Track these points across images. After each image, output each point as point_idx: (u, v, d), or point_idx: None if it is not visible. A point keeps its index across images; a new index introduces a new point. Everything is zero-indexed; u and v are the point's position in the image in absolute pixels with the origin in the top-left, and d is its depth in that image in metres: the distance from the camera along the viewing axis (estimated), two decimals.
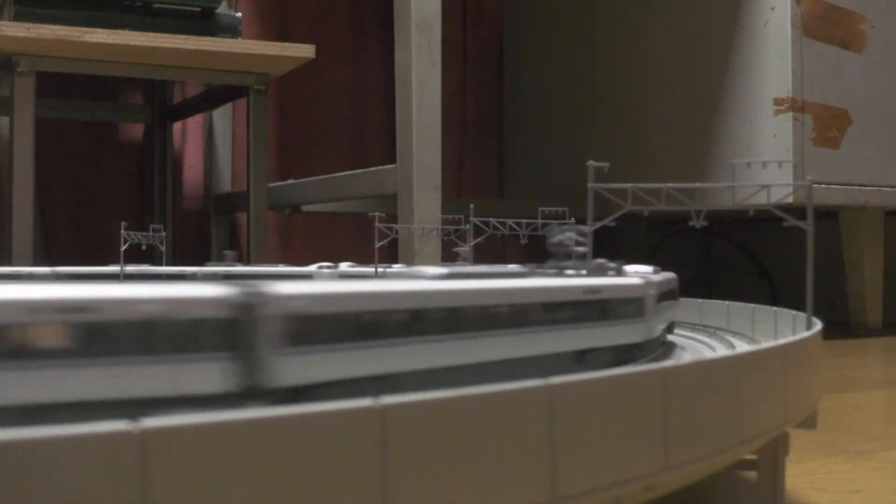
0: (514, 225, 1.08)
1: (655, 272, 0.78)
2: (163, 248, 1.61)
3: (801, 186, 0.64)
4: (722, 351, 0.75)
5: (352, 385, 0.48)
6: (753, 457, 0.59)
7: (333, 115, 2.58)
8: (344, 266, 1.15)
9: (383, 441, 0.30)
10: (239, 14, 1.88)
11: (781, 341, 0.53)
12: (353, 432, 0.30)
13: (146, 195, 2.40)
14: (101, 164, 2.37)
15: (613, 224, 0.67)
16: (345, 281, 0.55)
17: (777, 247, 2.85)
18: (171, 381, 0.42)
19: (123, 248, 1.60)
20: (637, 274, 0.76)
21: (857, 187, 2.08)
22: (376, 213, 1.36)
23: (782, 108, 1.95)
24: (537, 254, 2.58)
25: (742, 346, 0.77)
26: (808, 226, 0.62)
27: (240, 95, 2.01)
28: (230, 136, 2.47)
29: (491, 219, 1.12)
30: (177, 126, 2.41)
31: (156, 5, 1.78)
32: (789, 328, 0.74)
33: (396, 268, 1.11)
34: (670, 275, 0.84)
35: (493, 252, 2.72)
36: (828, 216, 2.33)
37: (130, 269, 1.12)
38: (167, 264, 1.65)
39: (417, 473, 0.31)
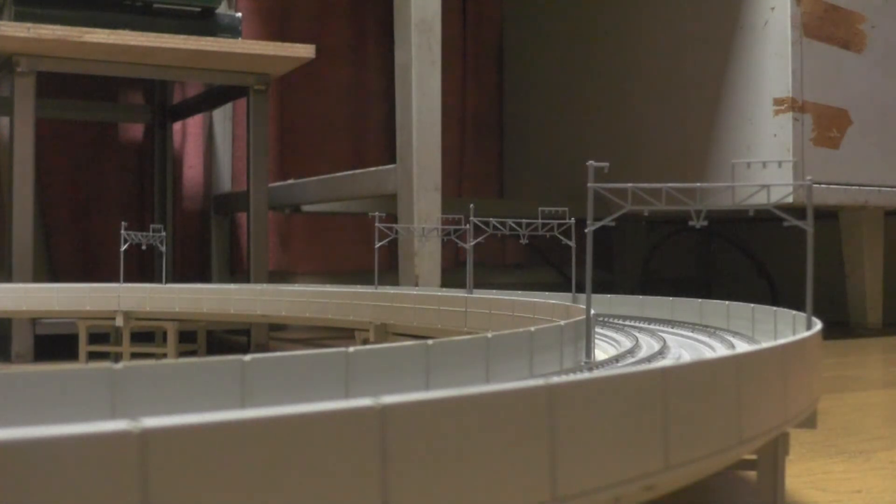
0: (514, 225, 1.08)
1: None
2: (163, 248, 1.61)
3: (801, 186, 0.64)
4: (722, 351, 0.75)
5: None
6: (753, 457, 0.59)
7: (333, 115, 2.58)
8: None
9: (383, 441, 0.30)
10: (239, 14, 1.88)
11: (781, 341, 0.53)
12: (353, 432, 0.30)
13: (146, 195, 2.40)
14: (101, 164, 2.37)
15: (613, 224, 0.67)
16: None
17: (777, 247, 2.85)
18: None
19: (123, 247, 1.60)
20: None
21: (857, 187, 2.08)
22: (376, 213, 1.36)
23: (782, 108, 1.95)
24: (537, 253, 2.58)
25: (742, 346, 0.77)
26: (808, 226, 0.62)
27: (240, 95, 2.01)
28: (230, 136, 2.47)
29: (491, 219, 1.12)
30: (177, 126, 2.40)
31: (156, 5, 1.78)
32: (789, 328, 0.74)
33: None
34: None
35: (493, 252, 2.72)
36: (828, 216, 2.33)
37: None
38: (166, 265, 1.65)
39: (417, 473, 0.31)
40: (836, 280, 2.38)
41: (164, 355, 1.59)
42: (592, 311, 0.75)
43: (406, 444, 0.31)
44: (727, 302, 0.91)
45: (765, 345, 0.51)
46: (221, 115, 2.46)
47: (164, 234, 1.61)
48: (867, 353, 1.93)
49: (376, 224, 1.35)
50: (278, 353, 0.49)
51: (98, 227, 2.34)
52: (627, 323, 1.02)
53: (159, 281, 2.02)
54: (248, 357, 0.47)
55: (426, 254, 1.65)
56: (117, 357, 1.59)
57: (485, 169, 2.79)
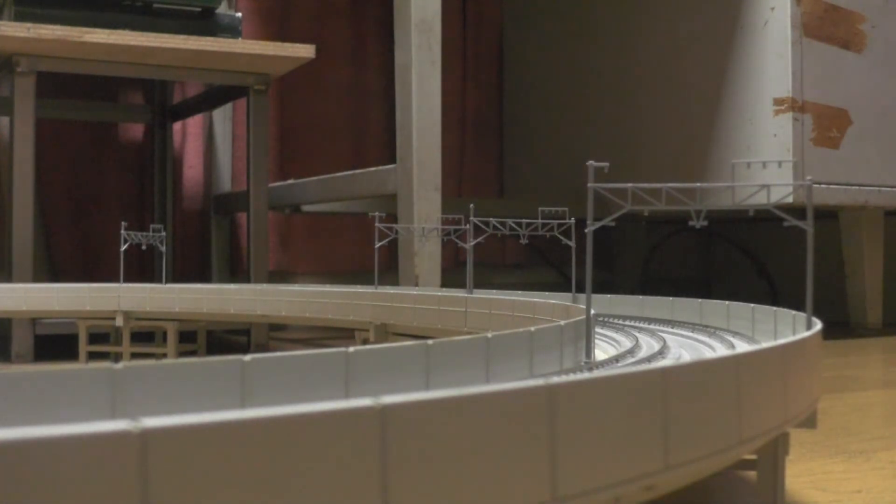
0: (514, 225, 1.08)
1: None
2: (163, 248, 1.61)
3: (801, 186, 0.64)
4: (722, 351, 0.75)
5: None
6: (753, 457, 0.59)
7: (333, 115, 2.58)
8: None
9: (383, 441, 0.30)
10: (239, 14, 1.88)
11: (781, 341, 0.53)
12: (353, 432, 0.30)
13: (146, 195, 2.40)
14: (101, 164, 2.37)
15: (613, 224, 0.67)
16: None
17: (777, 247, 2.85)
18: None
19: (123, 247, 1.60)
20: None
21: (857, 187, 2.08)
22: (376, 213, 1.36)
23: (782, 108, 1.95)
24: (537, 253, 2.59)
25: (742, 346, 0.77)
26: (808, 226, 0.62)
27: (240, 95, 2.01)
28: (230, 136, 2.47)
29: (491, 219, 1.12)
30: (177, 126, 2.40)
31: (156, 5, 1.78)
32: (789, 328, 0.74)
33: None
34: None
35: (493, 252, 2.72)
36: (828, 216, 2.33)
37: None
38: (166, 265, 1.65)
39: (417, 473, 0.31)
40: (836, 280, 2.38)
41: (164, 355, 1.59)
42: (592, 311, 0.75)
43: (406, 444, 0.31)
44: (727, 302, 0.91)
45: (765, 345, 0.51)
46: (221, 115, 2.46)
47: (164, 234, 1.61)
48: (867, 353, 1.93)
49: (376, 224, 1.35)
50: (278, 353, 0.49)
51: (98, 226, 2.34)
52: (627, 323, 1.02)
53: (159, 281, 2.02)
54: (248, 357, 0.47)
55: (426, 254, 1.65)
56: (117, 357, 1.59)
57: (485, 169, 2.79)
